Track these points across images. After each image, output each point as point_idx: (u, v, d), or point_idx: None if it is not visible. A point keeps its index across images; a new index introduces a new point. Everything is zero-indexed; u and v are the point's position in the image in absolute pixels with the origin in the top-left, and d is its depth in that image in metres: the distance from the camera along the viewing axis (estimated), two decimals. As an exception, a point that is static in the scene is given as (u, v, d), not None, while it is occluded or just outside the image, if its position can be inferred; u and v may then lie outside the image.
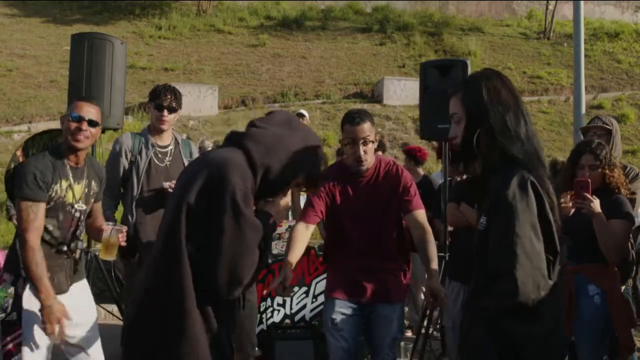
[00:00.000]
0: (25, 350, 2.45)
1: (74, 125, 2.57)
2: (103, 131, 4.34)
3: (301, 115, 6.79)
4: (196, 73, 12.41)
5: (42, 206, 2.46)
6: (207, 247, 1.63)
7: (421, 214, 2.84)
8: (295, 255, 2.76)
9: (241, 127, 7.25)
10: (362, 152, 2.76)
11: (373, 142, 2.81)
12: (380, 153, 3.63)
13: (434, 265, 2.71)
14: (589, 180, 2.85)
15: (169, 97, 3.39)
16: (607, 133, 3.56)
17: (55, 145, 2.65)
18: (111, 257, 2.76)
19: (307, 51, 13.96)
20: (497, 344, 1.56)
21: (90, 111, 2.64)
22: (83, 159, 2.69)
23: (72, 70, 4.06)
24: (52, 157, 2.55)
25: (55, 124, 9.90)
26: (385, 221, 2.86)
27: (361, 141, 2.75)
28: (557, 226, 1.68)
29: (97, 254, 4.24)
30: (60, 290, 2.58)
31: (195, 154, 3.57)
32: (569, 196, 2.89)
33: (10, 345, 2.44)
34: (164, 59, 12.85)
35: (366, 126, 2.76)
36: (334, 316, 2.82)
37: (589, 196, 2.82)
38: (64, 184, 2.57)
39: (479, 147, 1.70)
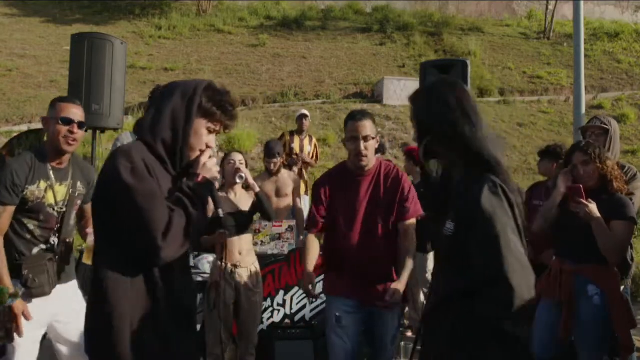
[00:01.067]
0: (13, 348, 2.46)
1: (64, 129, 2.57)
2: (103, 131, 4.36)
3: (304, 116, 6.79)
4: (196, 73, 12.40)
5: (10, 209, 2.48)
6: (118, 226, 1.67)
7: (413, 224, 2.90)
8: (312, 264, 2.92)
9: (241, 127, 7.29)
10: (362, 148, 2.80)
11: (374, 138, 2.86)
12: (379, 155, 3.63)
13: (407, 273, 2.77)
14: (581, 186, 2.87)
15: None
16: (605, 133, 3.56)
17: (38, 147, 2.64)
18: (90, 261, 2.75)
19: (307, 51, 13.95)
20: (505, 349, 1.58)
21: (78, 113, 2.65)
22: (67, 159, 2.68)
23: (72, 70, 4.06)
24: (33, 158, 2.55)
25: (55, 124, 9.93)
26: (385, 222, 2.87)
27: (362, 138, 2.80)
28: (524, 226, 1.72)
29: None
30: (42, 292, 2.57)
31: None
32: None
33: None
34: (164, 59, 12.85)
35: (367, 123, 2.83)
36: (338, 313, 2.84)
37: (584, 201, 2.84)
38: (42, 185, 2.56)
39: (429, 152, 1.77)
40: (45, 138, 2.72)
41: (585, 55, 7.34)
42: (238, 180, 3.60)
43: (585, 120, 6.09)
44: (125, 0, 15.51)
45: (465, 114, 1.75)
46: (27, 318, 2.45)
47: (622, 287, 3.40)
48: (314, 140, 6.92)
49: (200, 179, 1.78)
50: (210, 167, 1.81)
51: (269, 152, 4.94)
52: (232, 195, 3.67)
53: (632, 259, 3.37)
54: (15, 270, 2.51)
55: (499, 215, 1.60)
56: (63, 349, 2.71)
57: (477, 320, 1.61)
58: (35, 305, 2.52)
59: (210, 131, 1.81)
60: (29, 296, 2.51)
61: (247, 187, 3.71)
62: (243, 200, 3.69)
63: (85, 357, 2.67)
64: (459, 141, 1.72)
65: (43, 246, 2.59)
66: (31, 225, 2.55)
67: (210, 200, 1.85)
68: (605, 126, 3.58)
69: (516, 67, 13.64)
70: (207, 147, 1.82)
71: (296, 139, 6.60)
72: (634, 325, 2.95)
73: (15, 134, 9.61)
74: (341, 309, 2.85)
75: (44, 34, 13.38)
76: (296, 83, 12.37)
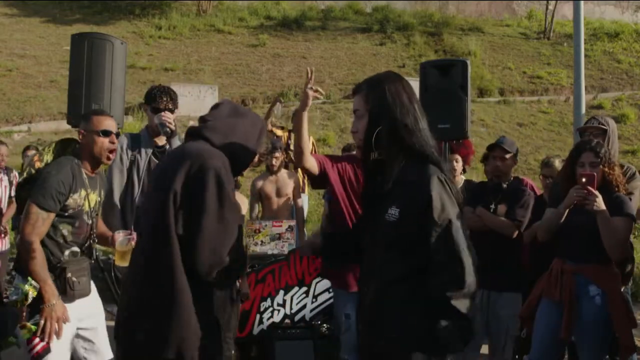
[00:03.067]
0: (52, 352, 2.49)
1: (106, 141, 2.68)
2: (103, 131, 4.37)
3: None
4: (196, 73, 12.41)
5: (52, 216, 2.53)
6: (191, 227, 1.77)
7: None
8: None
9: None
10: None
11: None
12: None
13: None
14: (595, 174, 2.84)
15: (165, 99, 3.40)
16: (603, 133, 3.57)
17: (74, 154, 2.70)
18: (125, 263, 2.83)
19: (307, 51, 13.95)
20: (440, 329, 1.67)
21: (113, 124, 2.76)
22: (98, 169, 2.79)
23: (72, 70, 4.06)
24: (74, 167, 2.62)
25: (55, 124, 9.93)
26: None
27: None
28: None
29: (97, 253, 4.25)
30: (85, 292, 2.67)
31: None
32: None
33: (38, 348, 2.47)
34: (164, 59, 12.85)
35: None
36: (348, 312, 2.92)
37: (595, 191, 2.82)
38: (83, 193, 2.64)
39: (379, 142, 1.82)
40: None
41: (585, 55, 7.33)
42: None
43: (585, 120, 6.08)
44: (125, 0, 15.51)
45: (414, 109, 1.85)
46: (65, 320, 2.51)
47: (622, 288, 3.41)
48: (312, 139, 6.90)
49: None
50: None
51: (269, 147, 5.01)
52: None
53: (633, 259, 3.37)
54: (51, 272, 2.56)
55: (448, 204, 1.72)
56: (83, 344, 2.76)
57: (429, 301, 1.69)
58: (72, 307, 2.59)
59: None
60: (71, 298, 2.58)
61: None
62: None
63: (102, 351, 2.75)
64: (406, 134, 1.80)
65: (75, 249, 2.66)
66: (65, 230, 2.61)
67: None
68: (603, 126, 3.59)
69: (516, 67, 13.64)
70: None
71: (293, 137, 6.59)
72: (635, 325, 2.95)
73: (15, 134, 9.62)
74: (351, 306, 2.94)
75: (44, 34, 13.39)
76: (296, 83, 12.36)
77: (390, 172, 1.81)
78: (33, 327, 2.41)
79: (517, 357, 3.84)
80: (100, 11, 15.12)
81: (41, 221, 2.48)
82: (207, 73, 12.36)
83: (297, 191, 5.19)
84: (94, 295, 2.83)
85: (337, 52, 13.95)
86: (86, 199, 2.66)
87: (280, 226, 4.57)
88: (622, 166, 3.53)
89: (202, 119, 2.01)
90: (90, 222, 2.73)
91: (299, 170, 6.38)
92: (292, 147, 6.44)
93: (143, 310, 1.82)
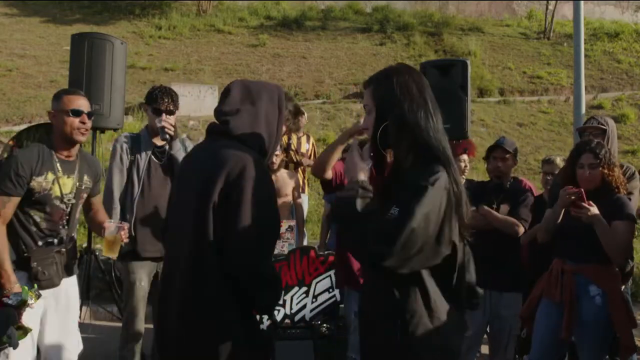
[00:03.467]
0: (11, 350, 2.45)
1: (76, 120, 2.61)
2: (103, 131, 4.36)
3: (301, 114, 6.77)
4: (196, 73, 12.40)
5: (15, 200, 2.50)
6: (230, 234, 1.70)
7: None
8: None
9: (241, 127, 7.01)
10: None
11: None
12: None
13: None
14: (581, 190, 2.86)
15: (166, 100, 3.40)
16: (603, 133, 3.57)
17: (46, 139, 2.67)
18: (114, 254, 2.79)
19: (307, 51, 13.95)
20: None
21: (85, 104, 2.69)
22: (75, 153, 2.72)
23: (72, 70, 4.06)
24: (41, 150, 2.58)
25: (55, 124, 9.93)
26: None
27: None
28: (462, 222, 1.73)
29: (97, 253, 4.25)
30: (52, 283, 2.61)
31: None
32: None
33: None
34: (164, 59, 12.85)
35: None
36: (357, 310, 2.93)
37: (585, 204, 2.83)
38: (50, 176, 2.58)
39: (385, 138, 1.72)
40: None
41: (585, 55, 7.34)
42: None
43: (585, 120, 6.08)
44: (125, 0, 15.51)
45: (426, 103, 1.74)
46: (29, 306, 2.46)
47: (622, 287, 3.41)
48: (312, 139, 6.90)
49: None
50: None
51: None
52: None
53: (632, 258, 3.37)
54: (22, 263, 2.53)
55: (428, 196, 1.56)
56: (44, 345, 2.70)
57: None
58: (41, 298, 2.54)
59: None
60: (38, 288, 2.53)
61: None
62: None
63: (69, 349, 2.68)
64: (415, 130, 1.69)
65: (49, 239, 2.61)
66: (37, 217, 2.58)
67: None
68: (602, 126, 3.59)
69: (516, 67, 13.64)
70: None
71: (293, 137, 6.58)
72: (635, 325, 2.95)
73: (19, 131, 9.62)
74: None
75: (44, 34, 13.38)
76: (296, 83, 12.36)
77: (396, 172, 1.74)
78: (29, 328, 2.39)
79: (517, 357, 3.84)
80: (100, 11, 15.11)
81: (1, 204, 2.45)
82: (207, 73, 12.36)
83: (297, 191, 5.19)
84: (66, 287, 2.75)
85: (337, 52, 13.94)
86: (55, 182, 2.60)
87: (280, 226, 4.57)
88: (622, 166, 3.53)
89: (222, 113, 1.89)
90: (65, 208, 2.65)
91: (299, 170, 6.39)
92: (293, 147, 6.45)
93: (188, 324, 1.75)
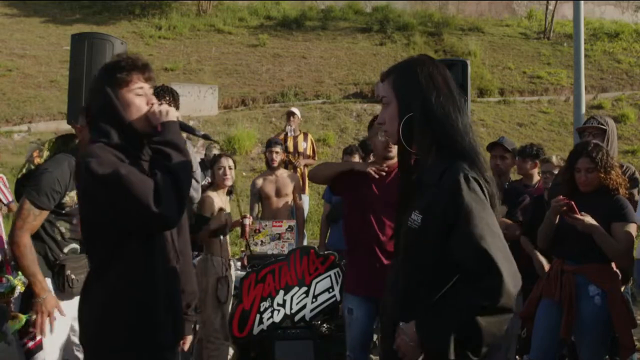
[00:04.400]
0: (45, 347, 2.50)
1: None
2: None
3: (291, 114, 6.76)
4: (196, 73, 12.40)
5: (45, 214, 2.53)
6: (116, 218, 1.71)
7: None
8: None
9: (241, 127, 7.37)
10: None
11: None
12: None
13: None
14: (571, 202, 2.88)
15: (167, 98, 3.40)
16: (602, 133, 3.57)
17: (72, 151, 2.68)
18: None
19: (307, 51, 13.95)
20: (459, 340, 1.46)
21: None
22: None
23: (72, 70, 4.06)
24: (70, 164, 2.60)
25: (55, 124, 9.92)
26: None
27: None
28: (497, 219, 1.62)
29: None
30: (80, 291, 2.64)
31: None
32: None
33: (30, 344, 2.48)
34: (164, 59, 12.85)
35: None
36: (350, 306, 3.06)
37: (578, 215, 2.85)
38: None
39: (410, 133, 1.60)
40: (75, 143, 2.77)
41: (585, 55, 7.34)
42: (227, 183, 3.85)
43: (585, 120, 6.08)
44: (125, 0, 15.51)
45: (453, 95, 1.62)
46: (60, 313, 2.51)
47: (622, 288, 3.41)
48: (310, 136, 6.88)
49: (159, 127, 1.78)
50: (165, 111, 1.79)
51: (269, 142, 5.15)
52: (219, 196, 3.82)
53: (634, 259, 3.37)
54: (50, 269, 2.57)
55: (479, 211, 1.48)
56: (75, 350, 2.73)
57: (444, 316, 1.50)
58: (70, 304, 2.57)
59: (138, 94, 1.80)
60: (69, 295, 2.58)
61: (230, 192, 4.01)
62: (224, 203, 3.94)
63: None
64: (442, 124, 1.57)
65: (74, 245, 2.65)
66: (63, 228, 2.61)
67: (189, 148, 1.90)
68: (602, 126, 3.58)
69: (516, 67, 13.64)
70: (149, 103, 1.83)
71: (289, 138, 6.57)
72: (635, 325, 2.96)
73: (15, 134, 9.61)
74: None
75: (44, 34, 13.38)
76: (296, 83, 12.36)
77: (420, 170, 1.62)
78: (24, 316, 2.40)
79: (517, 357, 3.84)
80: (100, 11, 15.11)
81: (32, 217, 2.47)
82: (207, 73, 12.36)
83: (297, 191, 5.19)
84: None
85: (337, 52, 13.94)
86: None
87: (280, 226, 4.57)
88: (622, 166, 3.53)
89: None
90: None
91: (299, 170, 6.39)
92: (289, 149, 6.45)
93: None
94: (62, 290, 2.56)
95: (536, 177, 4.56)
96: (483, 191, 1.54)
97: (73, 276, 2.58)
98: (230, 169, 3.82)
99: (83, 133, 2.66)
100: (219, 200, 3.87)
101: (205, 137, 2.07)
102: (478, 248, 1.45)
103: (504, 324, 1.47)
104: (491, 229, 1.49)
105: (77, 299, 2.61)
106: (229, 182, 3.83)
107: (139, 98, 1.80)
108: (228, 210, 3.86)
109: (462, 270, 1.51)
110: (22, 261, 2.43)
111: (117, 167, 1.66)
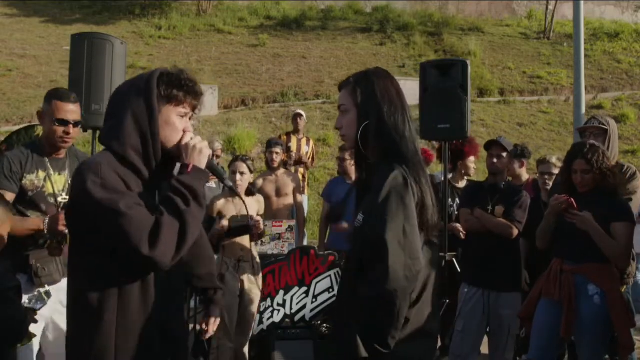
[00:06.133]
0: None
1: (60, 130, 2.63)
2: (103, 131, 4.36)
3: (299, 115, 6.77)
4: (196, 73, 12.40)
5: (9, 196, 2.53)
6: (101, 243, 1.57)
7: None
8: None
9: (241, 127, 7.36)
10: None
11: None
12: None
13: None
14: (570, 199, 2.90)
15: None
16: (604, 133, 3.56)
17: (33, 140, 2.70)
18: None
19: (307, 51, 13.95)
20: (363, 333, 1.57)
21: (74, 111, 2.68)
22: (65, 150, 2.75)
23: (72, 70, 4.05)
24: (30, 150, 2.63)
25: (55, 124, 9.94)
26: None
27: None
28: (428, 225, 1.70)
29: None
30: (53, 279, 2.63)
31: None
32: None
33: None
34: (164, 59, 12.84)
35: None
36: None
37: (577, 212, 2.87)
38: (41, 174, 2.62)
39: (365, 140, 1.73)
40: (41, 131, 2.77)
41: (585, 55, 7.34)
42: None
43: (585, 120, 6.08)
44: (125, 0, 15.51)
45: (404, 108, 1.77)
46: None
47: (623, 288, 3.41)
48: (312, 142, 6.89)
49: (190, 168, 1.66)
50: (199, 147, 1.69)
51: (270, 142, 5.15)
52: (235, 200, 3.75)
53: (634, 259, 3.37)
54: (23, 265, 2.56)
55: (394, 207, 1.59)
56: (48, 348, 2.72)
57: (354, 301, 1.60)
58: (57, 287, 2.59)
59: (181, 116, 1.71)
60: (39, 285, 2.58)
61: (250, 192, 3.89)
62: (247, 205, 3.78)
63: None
64: (390, 132, 1.71)
65: (49, 236, 2.62)
66: (34, 216, 2.60)
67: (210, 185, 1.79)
68: (603, 126, 3.58)
69: (516, 67, 13.64)
70: (185, 132, 1.71)
71: (293, 139, 6.57)
72: (633, 324, 2.96)
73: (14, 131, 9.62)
74: None
75: (44, 34, 13.38)
76: (296, 83, 12.37)
77: (370, 173, 1.75)
78: (33, 334, 2.40)
79: (517, 358, 3.84)
80: (100, 11, 15.12)
81: None
82: (207, 73, 12.36)
83: (297, 191, 5.19)
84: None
85: (337, 52, 13.94)
86: (47, 180, 2.63)
87: (280, 226, 4.57)
88: (622, 166, 3.53)
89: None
90: (59, 206, 2.67)
91: (299, 170, 6.39)
92: (291, 149, 6.46)
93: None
94: (31, 280, 2.56)
95: (525, 176, 4.58)
96: (413, 194, 1.64)
97: (38, 265, 2.57)
98: (242, 174, 3.72)
99: (43, 120, 2.67)
100: (236, 204, 3.76)
101: (231, 189, 1.92)
102: (377, 235, 1.56)
103: (395, 308, 1.55)
104: (398, 223, 1.57)
105: (52, 298, 2.57)
106: (239, 188, 3.71)
107: (180, 121, 1.70)
108: (253, 212, 3.72)
109: (363, 262, 1.61)
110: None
111: (117, 198, 1.52)
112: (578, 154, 3.01)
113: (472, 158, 4.57)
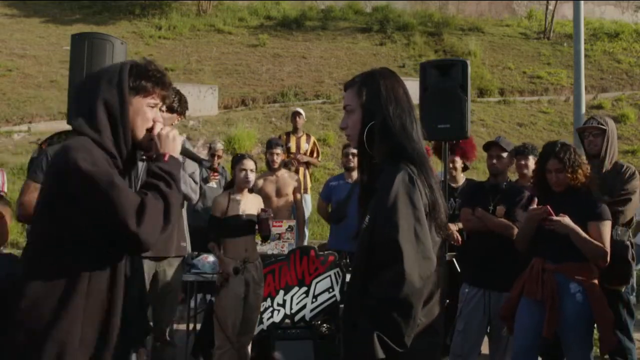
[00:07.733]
0: None
1: None
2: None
3: (297, 114, 6.77)
4: (196, 73, 12.40)
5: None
6: (83, 222, 1.56)
7: None
8: None
9: (241, 127, 7.35)
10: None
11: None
12: None
13: None
14: (547, 207, 2.95)
15: (174, 99, 3.39)
16: (602, 133, 3.57)
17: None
18: None
19: (307, 51, 13.95)
20: (380, 335, 1.54)
21: None
22: None
23: (72, 70, 4.05)
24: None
25: (56, 124, 9.92)
26: None
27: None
28: (437, 224, 1.69)
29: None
30: None
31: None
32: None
33: None
34: (164, 59, 12.84)
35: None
36: None
37: (555, 218, 2.91)
38: None
39: (370, 140, 1.73)
40: None
41: (585, 55, 7.34)
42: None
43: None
44: (125, 0, 15.51)
45: (411, 109, 1.77)
46: None
47: (623, 288, 3.41)
48: (312, 138, 6.87)
49: (167, 158, 1.71)
50: (172, 136, 1.74)
51: (270, 143, 5.16)
52: (239, 198, 3.76)
53: (634, 259, 3.37)
54: None
55: (403, 206, 1.59)
56: None
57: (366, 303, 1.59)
58: None
59: (151, 107, 1.75)
60: None
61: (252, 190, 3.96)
62: (249, 204, 3.84)
63: None
64: (397, 133, 1.71)
65: None
66: None
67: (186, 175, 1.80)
68: (602, 126, 3.58)
69: (516, 67, 13.64)
70: (155, 122, 1.75)
71: (292, 138, 6.56)
72: (612, 320, 2.98)
73: (15, 134, 9.61)
74: None
75: (44, 34, 13.38)
76: (296, 83, 12.37)
77: (376, 174, 1.73)
78: None
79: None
80: (100, 11, 15.12)
81: (26, 188, 2.72)
82: (207, 73, 12.36)
83: (297, 191, 5.19)
84: None
85: (337, 52, 13.95)
86: None
87: (281, 226, 4.57)
88: (622, 166, 3.54)
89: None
90: None
91: (300, 170, 6.39)
92: (291, 149, 6.45)
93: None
94: None
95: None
96: (420, 194, 1.64)
97: None
98: (252, 171, 3.81)
99: None
100: (241, 203, 3.79)
101: (211, 168, 2.02)
102: (390, 237, 1.56)
103: (412, 310, 1.55)
104: (410, 225, 1.58)
105: None
106: (250, 185, 3.83)
107: (150, 111, 1.75)
108: (254, 210, 3.82)
109: (372, 263, 1.60)
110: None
111: (111, 172, 1.57)
112: (550, 154, 3.04)
113: (457, 158, 4.60)
